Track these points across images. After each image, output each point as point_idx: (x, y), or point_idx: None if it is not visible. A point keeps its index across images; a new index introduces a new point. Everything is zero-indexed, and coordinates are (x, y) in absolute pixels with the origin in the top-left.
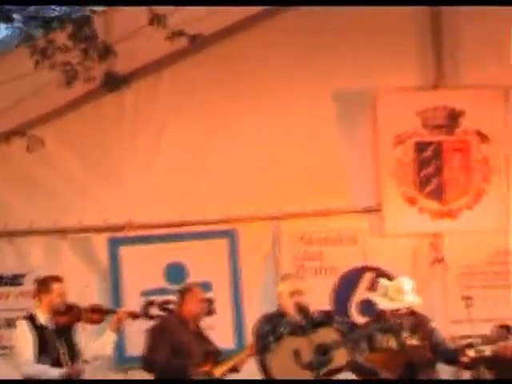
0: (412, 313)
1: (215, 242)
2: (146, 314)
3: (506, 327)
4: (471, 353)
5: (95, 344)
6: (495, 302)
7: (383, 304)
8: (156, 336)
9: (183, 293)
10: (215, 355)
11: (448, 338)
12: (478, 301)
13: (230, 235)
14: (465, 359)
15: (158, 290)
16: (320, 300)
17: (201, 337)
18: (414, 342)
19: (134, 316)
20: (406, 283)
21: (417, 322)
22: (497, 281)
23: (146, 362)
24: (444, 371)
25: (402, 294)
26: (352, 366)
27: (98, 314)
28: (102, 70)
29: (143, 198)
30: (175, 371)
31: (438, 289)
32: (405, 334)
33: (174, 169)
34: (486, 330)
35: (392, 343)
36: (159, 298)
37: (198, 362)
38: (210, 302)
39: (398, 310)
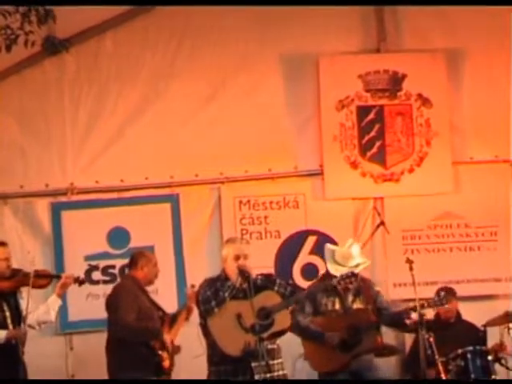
0: (357, 276)
1: (158, 207)
2: (89, 279)
3: (449, 290)
4: (414, 316)
5: (40, 309)
6: (438, 265)
7: (330, 269)
8: (123, 300)
9: (137, 258)
10: (169, 319)
11: (391, 302)
12: (421, 264)
13: (172, 200)
14: (408, 322)
15: (101, 255)
16: (264, 264)
17: (153, 301)
18: (358, 305)
19: (79, 281)
20: (353, 247)
21: (361, 285)
22: (439, 244)
23: (120, 326)
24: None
25: (349, 259)
26: (297, 329)
27: (43, 279)
28: (42, 34)
29: (85, 163)
30: (148, 334)
31: (380, 252)
32: (350, 298)
33: (116, 133)
34: (430, 293)
35: (337, 306)
36: (102, 263)
37: (158, 326)
38: None
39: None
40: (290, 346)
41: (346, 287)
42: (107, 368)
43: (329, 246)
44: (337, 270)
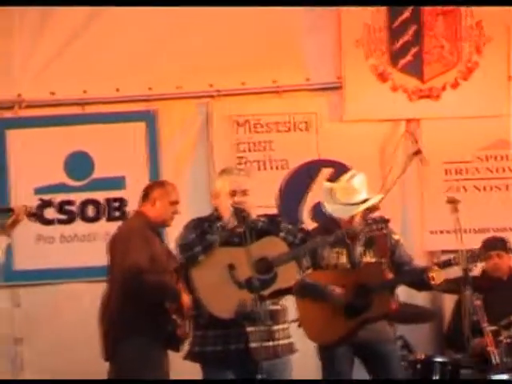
0: (387, 222)
1: (130, 126)
2: (41, 217)
3: (498, 240)
4: (440, 273)
5: None
6: (489, 207)
7: (331, 210)
8: (133, 243)
9: (149, 189)
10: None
11: (427, 254)
12: (468, 205)
13: (148, 117)
14: (432, 282)
15: (57, 187)
16: (265, 201)
17: (167, 249)
18: (369, 258)
19: (30, 214)
20: (355, 179)
21: (375, 232)
22: (492, 180)
23: (129, 277)
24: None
25: (351, 194)
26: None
27: None
28: None
29: (37, 68)
30: (165, 292)
31: (414, 190)
32: (359, 249)
33: (78, 29)
34: (477, 243)
35: (343, 260)
36: (58, 197)
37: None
38: (123, 202)
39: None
40: None
41: (355, 235)
42: (104, 332)
43: (326, 183)
44: (338, 212)
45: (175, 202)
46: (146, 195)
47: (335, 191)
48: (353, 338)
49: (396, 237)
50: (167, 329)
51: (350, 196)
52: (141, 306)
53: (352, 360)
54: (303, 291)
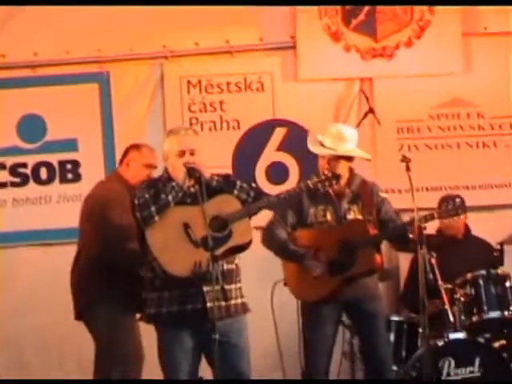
0: (339, 178)
1: (82, 88)
2: None
3: (455, 197)
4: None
5: None
6: (442, 165)
7: (317, 149)
8: (112, 209)
9: (126, 150)
10: None
11: None
12: (420, 164)
13: (100, 79)
14: (411, 236)
15: (9, 150)
16: (218, 162)
17: None
18: (354, 215)
19: None
20: (345, 128)
21: (361, 190)
22: (444, 139)
23: (107, 245)
24: None
25: (341, 140)
26: (273, 244)
27: None
28: None
29: None
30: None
31: (368, 149)
32: (344, 206)
33: None
34: (431, 201)
35: (329, 217)
36: (10, 160)
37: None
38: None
39: (336, 160)
40: (266, 267)
41: (341, 192)
42: (76, 293)
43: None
44: (324, 152)
45: (150, 166)
46: (122, 157)
47: (325, 137)
48: (338, 296)
49: (383, 195)
50: (141, 295)
51: (338, 142)
52: (117, 271)
53: (337, 320)
54: (284, 254)
